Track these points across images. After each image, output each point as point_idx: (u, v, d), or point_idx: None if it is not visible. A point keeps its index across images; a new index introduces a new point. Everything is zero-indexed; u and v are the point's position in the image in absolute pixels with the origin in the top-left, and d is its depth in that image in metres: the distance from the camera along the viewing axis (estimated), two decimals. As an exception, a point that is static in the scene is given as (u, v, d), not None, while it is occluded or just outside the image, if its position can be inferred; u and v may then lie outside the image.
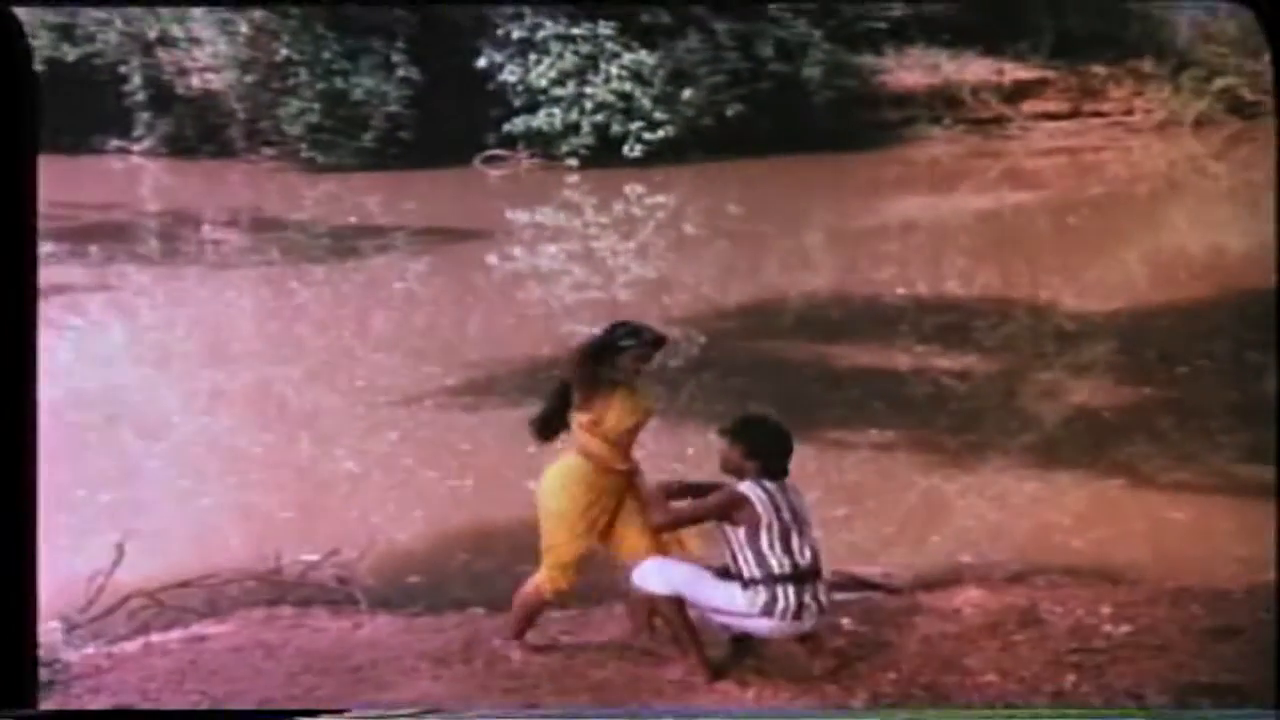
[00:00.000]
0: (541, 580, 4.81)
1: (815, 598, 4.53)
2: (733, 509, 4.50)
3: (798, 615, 4.49)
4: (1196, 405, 8.62)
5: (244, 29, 20.88)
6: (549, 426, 4.84)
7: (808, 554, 4.53)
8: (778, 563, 4.48)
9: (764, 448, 4.56)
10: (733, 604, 4.52)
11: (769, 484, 4.53)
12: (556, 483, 4.76)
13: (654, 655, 4.81)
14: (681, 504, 4.66)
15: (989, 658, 4.76)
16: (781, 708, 4.46)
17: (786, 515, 4.51)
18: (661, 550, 4.77)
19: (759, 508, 4.48)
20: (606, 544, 4.84)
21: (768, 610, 4.47)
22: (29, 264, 4.05)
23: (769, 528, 4.48)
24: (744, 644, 4.73)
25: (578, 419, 4.72)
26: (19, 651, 4.03)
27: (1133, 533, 6.64)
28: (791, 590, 4.47)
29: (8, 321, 3.98)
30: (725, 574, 4.56)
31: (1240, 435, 7.75)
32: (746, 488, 4.51)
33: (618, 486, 4.76)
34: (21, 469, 3.98)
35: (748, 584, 4.51)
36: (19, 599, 3.99)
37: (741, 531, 4.49)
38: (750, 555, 4.49)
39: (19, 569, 3.98)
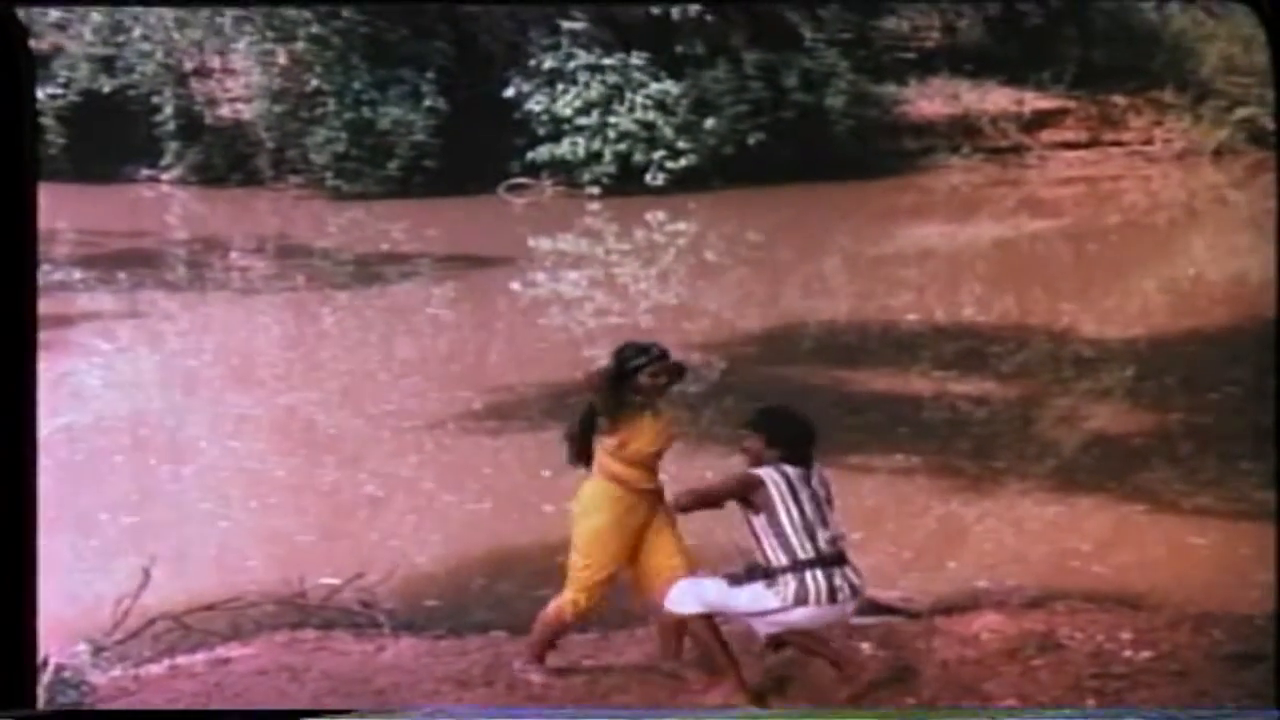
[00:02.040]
0: (565, 602, 4.84)
1: (846, 579, 4.52)
2: (748, 490, 4.51)
3: (832, 598, 4.47)
4: (1217, 431, 8.61)
5: (281, 60, 21.10)
6: (579, 451, 4.87)
7: (831, 539, 4.52)
8: (801, 548, 4.46)
9: (782, 435, 4.57)
10: (763, 603, 4.51)
11: (788, 469, 4.53)
12: (588, 505, 4.79)
13: (677, 678, 4.83)
14: (699, 490, 4.70)
15: (1008, 682, 4.76)
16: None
17: (806, 500, 4.51)
18: (689, 570, 4.81)
19: (773, 490, 4.48)
20: (634, 566, 4.87)
21: (800, 598, 4.46)
22: (30, 283, 4.10)
23: (788, 512, 4.47)
24: (778, 650, 4.71)
25: (604, 443, 4.76)
26: (19, 652, 4.07)
27: (1153, 558, 6.63)
28: (820, 574, 4.46)
29: (8, 343, 4.03)
30: (751, 576, 4.54)
31: (1261, 461, 7.73)
32: (763, 471, 4.52)
33: (645, 508, 4.79)
34: (22, 476, 4.02)
35: (774, 575, 4.49)
36: (19, 601, 4.02)
37: (762, 517, 4.49)
38: (775, 541, 4.48)
39: (19, 571, 4.01)
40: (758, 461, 4.58)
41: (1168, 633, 5.22)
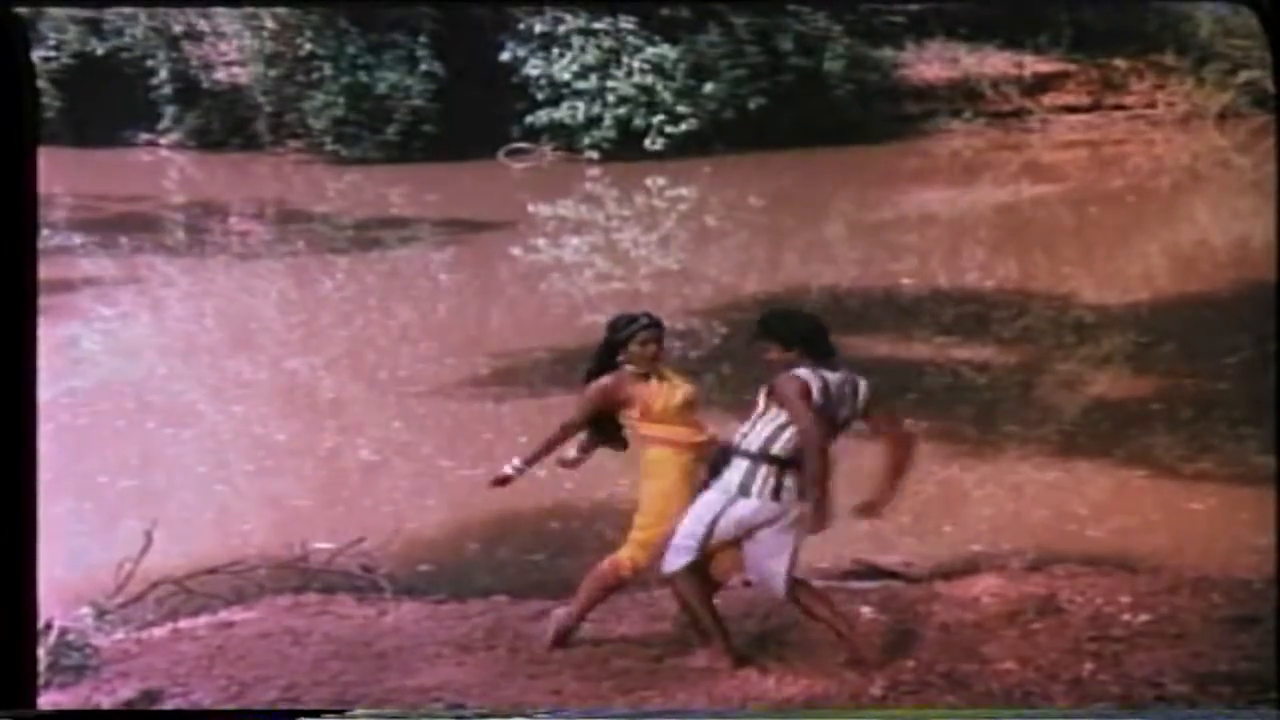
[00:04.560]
0: (624, 558, 4.84)
1: (796, 484, 4.50)
2: (806, 396, 4.46)
3: (775, 496, 4.50)
4: (1217, 396, 8.62)
5: (269, 24, 21.01)
6: (605, 432, 4.90)
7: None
8: (781, 446, 4.49)
9: (792, 334, 4.57)
10: (717, 507, 4.53)
11: (827, 374, 4.51)
12: (648, 470, 4.81)
13: (678, 643, 4.86)
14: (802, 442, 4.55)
15: (1008, 646, 4.79)
16: (801, 694, 4.49)
17: (835, 408, 4.49)
18: None
19: (815, 392, 4.46)
20: None
21: (744, 489, 4.50)
22: (29, 258, 4.10)
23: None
24: (797, 603, 4.66)
25: (629, 419, 4.80)
26: (19, 651, 4.07)
27: (1153, 522, 6.65)
28: (774, 470, 4.48)
29: (9, 308, 4.02)
30: (718, 457, 4.60)
31: (1261, 426, 7.74)
32: (803, 372, 4.50)
33: (700, 466, 4.80)
34: (21, 475, 4.01)
35: (730, 459, 4.52)
36: (19, 600, 4.03)
37: (775, 408, 4.51)
38: (759, 429, 4.52)
39: (19, 571, 4.01)
40: (788, 366, 4.55)
41: (1166, 596, 5.25)
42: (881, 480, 4.60)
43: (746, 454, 4.53)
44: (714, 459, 4.64)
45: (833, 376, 4.53)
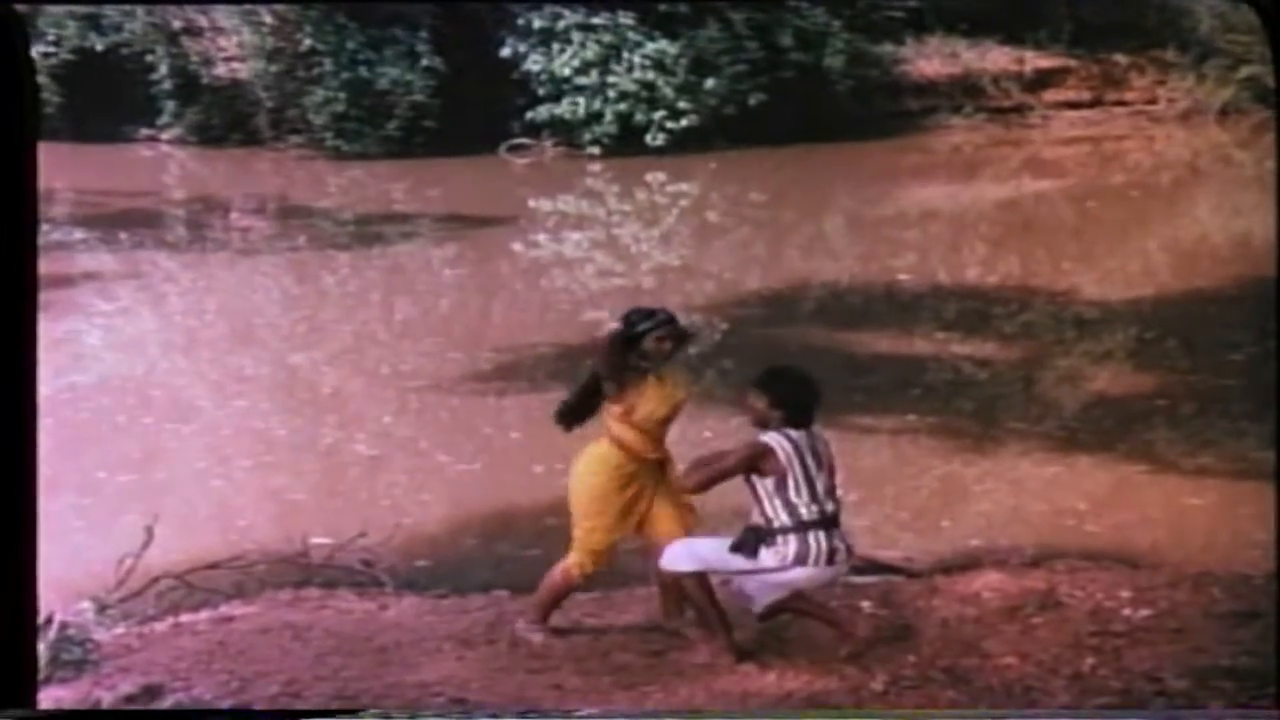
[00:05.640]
0: (571, 565, 4.86)
1: (842, 542, 4.59)
2: (759, 460, 4.54)
3: (830, 560, 4.53)
4: (1218, 392, 8.62)
5: (267, 19, 21.01)
6: (574, 415, 4.90)
7: (832, 501, 4.58)
8: (806, 510, 4.52)
9: (787, 398, 4.59)
10: (761, 563, 4.56)
11: (792, 433, 4.56)
12: (590, 469, 4.80)
13: (677, 637, 4.86)
14: (710, 466, 4.66)
15: (1008, 641, 4.78)
16: (802, 690, 4.49)
17: (810, 462, 4.55)
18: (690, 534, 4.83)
19: (782, 456, 4.52)
20: (640, 532, 4.89)
21: (800, 558, 4.51)
22: (30, 254, 4.09)
23: (794, 475, 4.52)
24: (772, 618, 4.75)
25: (610, 409, 4.77)
26: (19, 646, 4.07)
27: (1152, 517, 6.66)
28: (822, 535, 4.52)
29: (9, 303, 4.02)
30: (753, 539, 4.56)
31: (1262, 422, 7.74)
32: (769, 437, 4.55)
33: (651, 475, 4.81)
34: (21, 473, 4.00)
35: (775, 536, 4.53)
36: (20, 595, 4.02)
37: (769, 481, 4.53)
38: (779, 504, 4.52)
39: (20, 566, 4.01)
40: (761, 422, 4.60)
41: (1167, 591, 5.24)
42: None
43: (792, 527, 4.52)
44: (749, 538, 4.58)
45: (799, 435, 4.56)
